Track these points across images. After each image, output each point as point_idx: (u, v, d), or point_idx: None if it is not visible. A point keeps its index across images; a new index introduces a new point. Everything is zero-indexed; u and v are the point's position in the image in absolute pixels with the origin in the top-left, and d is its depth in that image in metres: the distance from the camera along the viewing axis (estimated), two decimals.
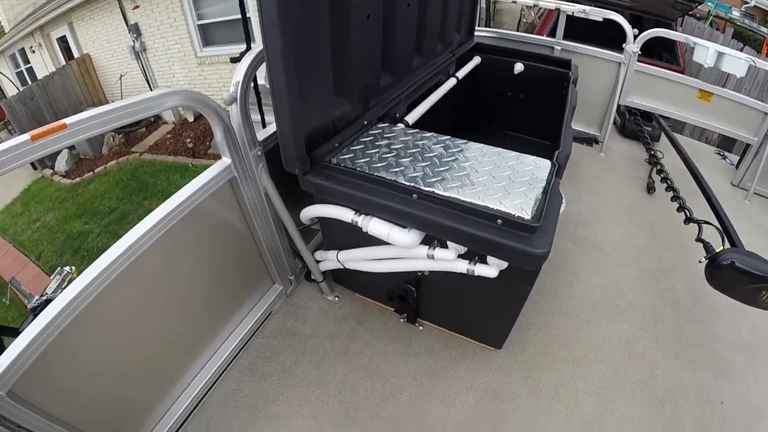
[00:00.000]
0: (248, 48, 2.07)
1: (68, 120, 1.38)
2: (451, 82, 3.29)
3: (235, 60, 2.05)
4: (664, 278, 3.26)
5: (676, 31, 6.08)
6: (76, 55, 12.77)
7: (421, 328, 2.70)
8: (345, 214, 2.00)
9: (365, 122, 2.28)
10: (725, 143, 6.54)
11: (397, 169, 1.92)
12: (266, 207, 2.31)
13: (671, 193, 3.59)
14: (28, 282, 7.32)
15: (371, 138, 2.17)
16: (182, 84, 10.52)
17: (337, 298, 2.87)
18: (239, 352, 2.54)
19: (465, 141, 2.16)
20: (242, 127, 2.01)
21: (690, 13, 8.34)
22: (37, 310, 5.28)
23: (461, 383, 2.45)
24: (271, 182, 2.22)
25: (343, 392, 2.40)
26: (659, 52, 6.55)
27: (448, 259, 1.87)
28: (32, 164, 11.37)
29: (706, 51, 3.83)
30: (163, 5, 9.94)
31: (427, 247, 1.91)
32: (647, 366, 2.64)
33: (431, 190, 1.80)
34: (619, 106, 4.60)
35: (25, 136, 1.28)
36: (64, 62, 13.23)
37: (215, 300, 2.38)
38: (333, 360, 2.54)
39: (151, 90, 8.70)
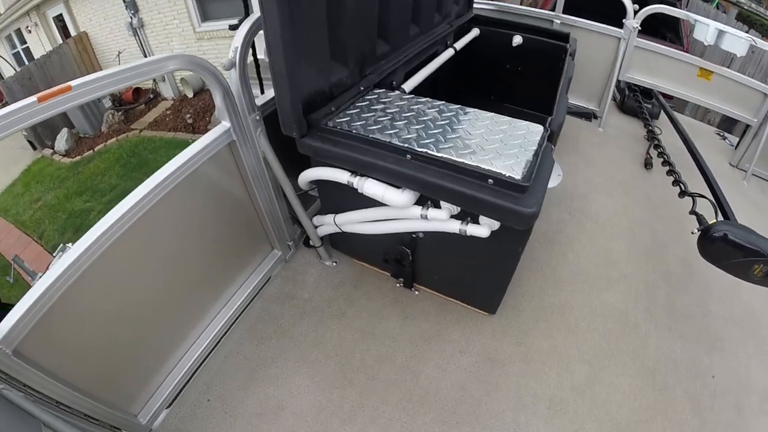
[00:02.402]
0: (246, 14, 2.09)
1: (73, 82, 1.42)
2: (449, 53, 3.29)
3: (234, 27, 2.07)
4: (659, 252, 3.29)
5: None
6: (73, 33, 12.64)
7: (417, 292, 2.75)
8: (341, 176, 2.03)
9: (362, 88, 2.30)
10: (726, 124, 6.53)
11: (391, 131, 1.95)
12: (265, 172, 2.34)
13: (667, 168, 3.61)
14: (31, 261, 7.33)
15: (367, 103, 2.19)
16: None
17: (334, 264, 2.91)
18: (239, 315, 2.59)
19: (459, 106, 2.18)
20: (241, 91, 2.02)
21: None
22: None
23: (455, 347, 2.50)
24: (270, 147, 2.25)
25: (340, 354, 2.45)
26: (663, 32, 6.50)
27: (441, 218, 1.91)
28: (32, 144, 11.38)
29: (706, 29, 3.81)
30: None
31: (421, 207, 1.95)
32: (639, 337, 2.68)
33: (425, 150, 1.82)
34: (619, 82, 4.60)
35: (32, 98, 1.32)
36: (61, 41, 13.12)
37: (215, 265, 2.42)
38: (330, 323, 2.59)
39: None
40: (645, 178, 4.12)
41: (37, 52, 13.78)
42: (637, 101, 5.05)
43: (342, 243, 2.79)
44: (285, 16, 1.68)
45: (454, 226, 1.90)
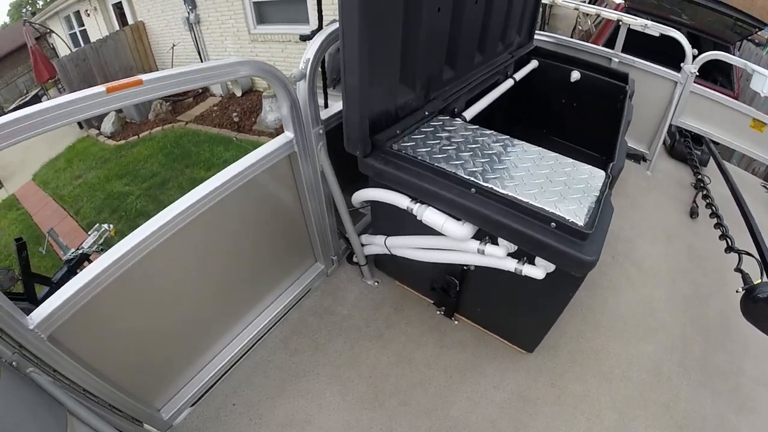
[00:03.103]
0: (320, 27, 2.11)
1: (144, 77, 1.43)
2: (509, 83, 3.29)
3: (306, 38, 2.09)
4: (698, 304, 3.20)
5: (734, 55, 5.93)
6: (130, 21, 13.07)
7: (456, 322, 2.73)
8: (401, 201, 2.03)
9: (426, 113, 2.31)
10: None
11: (457, 162, 1.94)
12: (320, 185, 2.36)
13: (715, 220, 3.54)
14: (64, 234, 7.49)
15: (432, 129, 2.20)
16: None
17: (376, 283, 2.91)
18: (275, 324, 2.60)
19: (523, 142, 2.17)
20: (308, 103, 2.05)
21: (749, 38, 8.08)
22: (71, 263, 5.45)
23: (489, 381, 2.47)
24: (329, 161, 2.27)
25: (374, 376, 2.44)
26: (714, 75, 6.39)
27: (498, 255, 1.89)
28: (79, 123, 11.71)
29: (764, 80, 3.73)
30: None
31: (479, 242, 1.93)
32: (672, 390, 2.61)
33: (490, 185, 1.82)
34: (670, 126, 4.52)
35: (101, 88, 1.32)
36: (118, 27, 13.56)
37: (258, 271, 2.44)
38: (367, 343, 2.59)
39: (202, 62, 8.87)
40: (689, 227, 4.03)
41: (93, 36, 14.28)
42: (687, 147, 4.96)
43: (386, 264, 2.80)
44: (365, 34, 1.69)
45: (510, 265, 1.88)
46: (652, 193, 4.38)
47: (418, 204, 1.99)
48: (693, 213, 4.17)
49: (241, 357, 2.46)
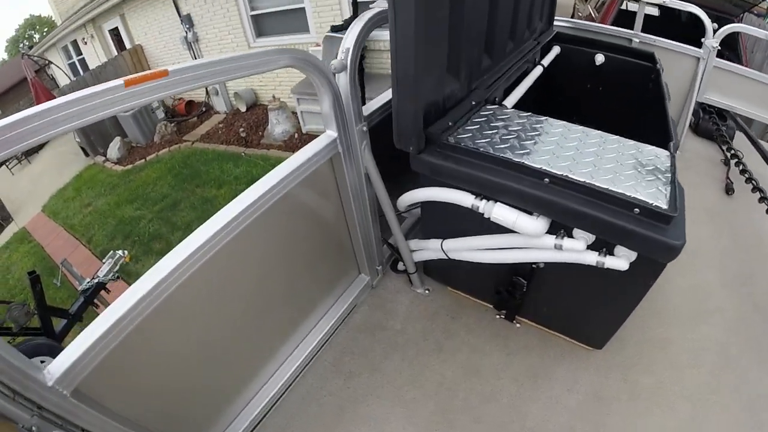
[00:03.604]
0: (355, 15, 1.96)
1: (171, 67, 1.26)
2: (539, 70, 3.17)
3: (338, 28, 1.95)
4: (750, 283, 3.08)
5: None
6: (128, 46, 13.09)
7: (518, 325, 2.57)
8: (464, 199, 1.88)
9: (473, 102, 2.18)
10: None
11: (521, 152, 1.81)
12: (365, 189, 2.20)
13: (758, 194, 3.43)
14: (78, 264, 7.40)
15: (484, 119, 2.07)
16: None
17: (427, 291, 2.74)
18: (322, 347, 2.44)
19: (582, 127, 2.04)
20: (350, 98, 1.89)
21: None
22: (87, 293, 5.35)
23: (562, 384, 2.32)
24: (374, 162, 2.12)
25: (440, 393, 2.28)
26: (720, 50, 6.31)
27: (578, 249, 1.74)
28: (84, 151, 11.72)
29: None
30: None
31: (554, 236, 1.79)
32: (738, 371, 2.49)
33: (564, 174, 1.68)
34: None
35: (118, 81, 1.15)
36: (116, 53, 13.58)
37: (298, 291, 2.27)
38: (427, 358, 2.42)
39: None
40: (727, 204, 3.91)
41: (92, 63, 14.34)
42: (714, 123, 4.83)
43: (436, 270, 2.64)
44: (421, 15, 1.56)
45: (591, 258, 1.74)
46: (684, 173, 4.20)
47: (485, 200, 1.84)
48: (728, 189, 4.04)
49: (289, 386, 2.29)
